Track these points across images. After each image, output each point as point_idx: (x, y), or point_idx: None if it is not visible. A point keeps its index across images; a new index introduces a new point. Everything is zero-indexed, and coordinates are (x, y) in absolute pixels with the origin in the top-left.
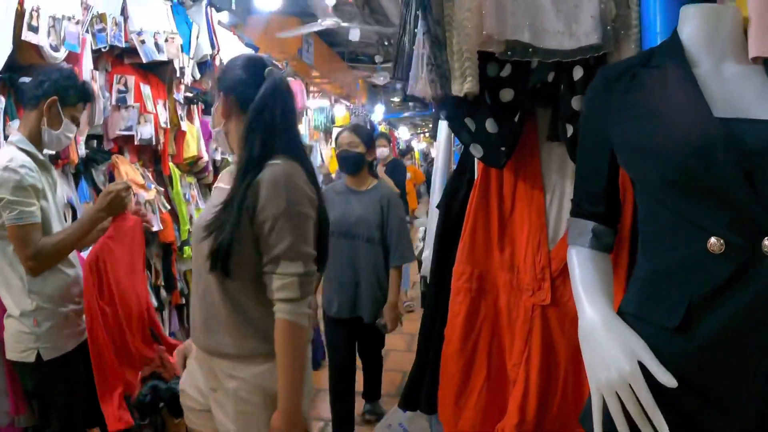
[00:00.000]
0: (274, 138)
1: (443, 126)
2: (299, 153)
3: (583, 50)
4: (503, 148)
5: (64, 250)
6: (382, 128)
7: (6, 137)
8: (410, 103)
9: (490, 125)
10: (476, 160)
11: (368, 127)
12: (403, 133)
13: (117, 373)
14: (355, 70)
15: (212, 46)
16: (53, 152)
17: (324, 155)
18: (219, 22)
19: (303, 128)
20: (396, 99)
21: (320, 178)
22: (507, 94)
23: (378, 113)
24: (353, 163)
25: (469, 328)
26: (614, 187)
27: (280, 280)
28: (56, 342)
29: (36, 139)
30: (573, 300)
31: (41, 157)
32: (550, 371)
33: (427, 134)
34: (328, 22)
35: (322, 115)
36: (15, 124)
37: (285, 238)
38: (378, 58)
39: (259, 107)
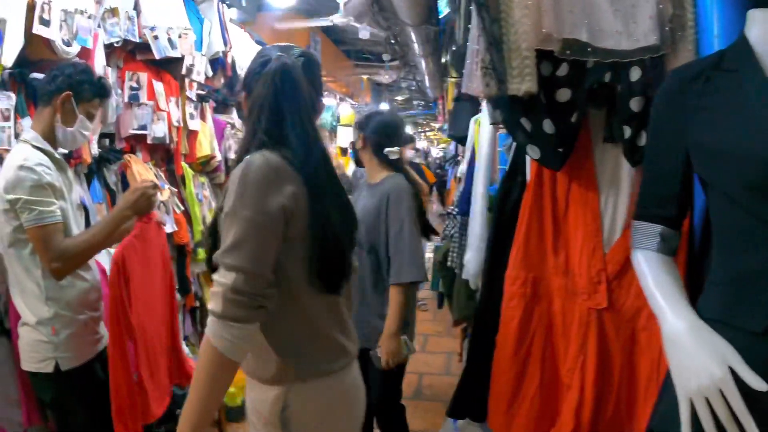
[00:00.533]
0: (265, 129)
1: (485, 126)
2: (290, 146)
3: (642, 51)
4: (561, 149)
5: (90, 250)
6: None
7: (17, 135)
8: (414, 102)
9: (547, 126)
10: (528, 161)
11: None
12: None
13: (136, 385)
14: (361, 68)
15: (224, 43)
16: (66, 151)
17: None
18: (230, 20)
19: None
20: (399, 98)
21: None
22: (564, 94)
23: None
24: (354, 155)
25: (522, 334)
26: (687, 190)
27: (213, 287)
28: (75, 351)
29: (50, 136)
30: (629, 303)
31: (57, 155)
32: (605, 376)
33: (427, 132)
34: (339, 20)
35: (328, 114)
36: (26, 122)
37: (225, 241)
38: (386, 57)
39: (252, 97)
